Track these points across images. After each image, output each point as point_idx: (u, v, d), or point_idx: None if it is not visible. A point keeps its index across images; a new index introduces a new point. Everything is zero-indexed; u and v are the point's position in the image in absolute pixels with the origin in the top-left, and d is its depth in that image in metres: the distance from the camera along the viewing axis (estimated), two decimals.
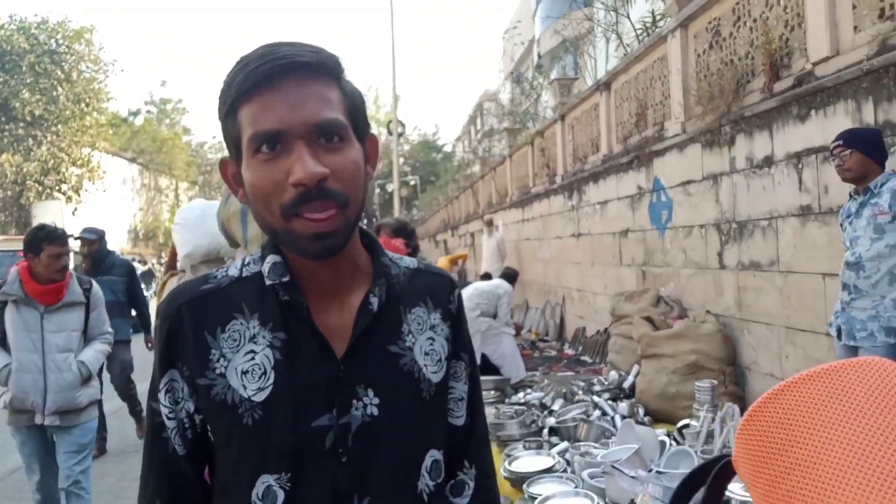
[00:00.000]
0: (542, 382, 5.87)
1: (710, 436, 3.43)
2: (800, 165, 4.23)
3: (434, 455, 1.02)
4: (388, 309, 1.00)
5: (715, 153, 5.25)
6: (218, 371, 0.93)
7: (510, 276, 7.42)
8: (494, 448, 4.48)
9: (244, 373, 0.93)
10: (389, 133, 20.48)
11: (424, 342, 1.02)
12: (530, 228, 11.61)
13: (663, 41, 6.18)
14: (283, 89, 0.86)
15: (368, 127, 0.98)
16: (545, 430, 4.36)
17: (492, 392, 5.51)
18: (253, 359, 0.94)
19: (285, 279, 0.96)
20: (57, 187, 20.83)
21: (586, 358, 7.84)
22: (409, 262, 1.10)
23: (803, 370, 0.55)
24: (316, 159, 0.86)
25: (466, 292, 6.81)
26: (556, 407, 4.90)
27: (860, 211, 3.32)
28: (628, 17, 9.44)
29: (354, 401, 0.94)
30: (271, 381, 0.93)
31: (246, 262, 1.02)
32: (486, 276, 8.79)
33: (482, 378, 5.74)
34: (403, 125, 20.82)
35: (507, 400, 5.35)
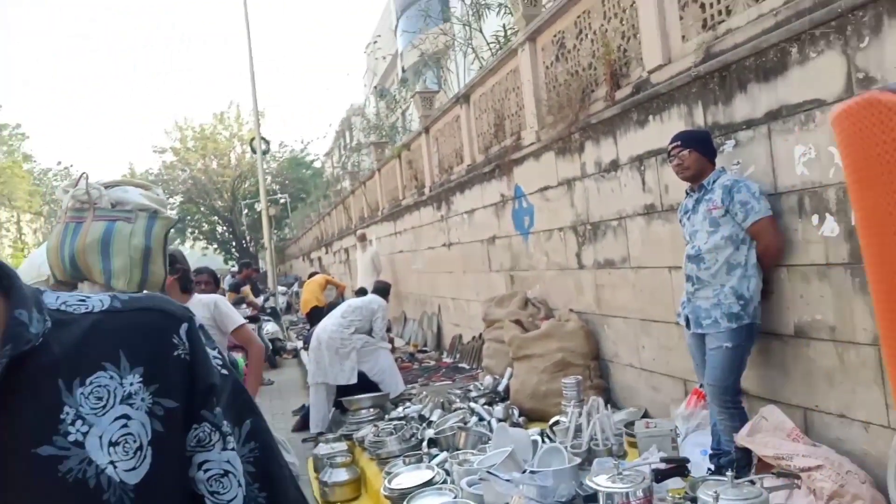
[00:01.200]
0: (421, 394, 5.90)
1: (578, 430, 3.56)
2: (642, 167, 4.51)
3: None
4: (32, 391, 0.67)
5: (567, 159, 5.50)
6: None
7: (382, 289, 7.39)
8: (374, 467, 4.42)
9: None
10: (253, 151, 19.84)
11: (111, 427, 0.68)
12: (403, 241, 11.64)
13: (514, 54, 6.42)
14: None
15: None
16: (425, 443, 4.37)
17: (371, 409, 5.47)
18: None
19: None
20: None
21: (464, 365, 7.95)
22: (95, 302, 0.75)
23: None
24: None
25: (340, 310, 6.71)
26: (434, 418, 4.93)
27: (696, 207, 3.59)
28: (481, 32, 9.73)
29: None
30: None
31: None
32: (362, 292, 8.70)
33: (361, 396, 5.64)
34: (268, 142, 20.22)
35: (386, 416, 5.32)
